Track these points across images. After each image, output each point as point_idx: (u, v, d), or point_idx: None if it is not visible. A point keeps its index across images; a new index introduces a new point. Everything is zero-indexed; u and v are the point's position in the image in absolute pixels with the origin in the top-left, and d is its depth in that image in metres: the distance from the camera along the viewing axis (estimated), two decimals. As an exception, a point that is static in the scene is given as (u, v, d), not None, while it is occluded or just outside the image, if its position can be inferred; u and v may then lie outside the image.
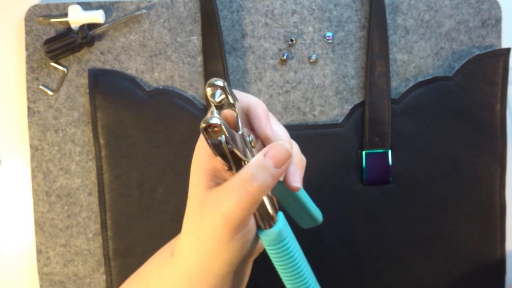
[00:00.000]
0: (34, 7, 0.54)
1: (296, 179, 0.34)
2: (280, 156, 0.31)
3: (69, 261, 0.54)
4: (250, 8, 0.54)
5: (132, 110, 0.53)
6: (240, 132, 0.32)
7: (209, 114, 0.31)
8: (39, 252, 0.54)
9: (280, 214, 0.34)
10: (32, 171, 0.54)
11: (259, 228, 0.33)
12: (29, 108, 0.54)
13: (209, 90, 0.32)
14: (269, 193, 0.33)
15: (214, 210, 0.31)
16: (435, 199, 0.53)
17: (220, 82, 0.32)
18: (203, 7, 0.53)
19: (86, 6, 0.54)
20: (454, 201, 0.54)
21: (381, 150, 0.53)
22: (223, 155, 0.31)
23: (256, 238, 0.34)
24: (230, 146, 0.30)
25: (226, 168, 0.32)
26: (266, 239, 0.33)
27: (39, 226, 0.54)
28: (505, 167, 0.54)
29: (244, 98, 0.34)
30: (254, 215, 0.33)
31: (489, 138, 0.54)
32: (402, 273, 0.53)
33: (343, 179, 0.53)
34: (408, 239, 0.53)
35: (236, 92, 0.34)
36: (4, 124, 0.55)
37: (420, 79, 0.54)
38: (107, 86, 0.53)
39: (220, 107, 0.32)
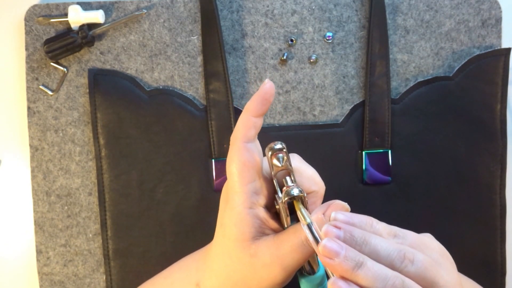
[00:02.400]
0: (34, 7, 0.54)
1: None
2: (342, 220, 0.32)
3: (69, 261, 0.54)
4: (250, 8, 0.54)
5: (132, 110, 0.53)
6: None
7: (287, 187, 0.33)
8: (39, 252, 0.54)
9: (321, 264, 0.36)
10: (32, 171, 0.54)
11: (301, 274, 0.36)
12: (29, 108, 0.54)
13: (270, 154, 0.33)
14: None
15: (272, 262, 0.33)
16: (435, 199, 0.53)
17: (279, 145, 0.33)
18: (203, 7, 0.53)
19: (86, 6, 0.54)
20: (454, 201, 0.54)
21: (381, 150, 0.53)
22: (287, 211, 0.33)
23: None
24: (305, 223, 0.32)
25: (283, 221, 0.34)
26: (311, 284, 0.35)
27: (39, 226, 0.54)
28: (505, 167, 0.54)
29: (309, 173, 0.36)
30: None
31: (489, 138, 0.54)
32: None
33: (343, 179, 0.53)
34: (408, 239, 0.53)
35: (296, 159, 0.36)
36: (4, 124, 0.55)
37: (420, 79, 0.54)
38: (107, 86, 0.53)
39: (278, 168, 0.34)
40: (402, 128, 0.53)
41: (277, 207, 0.34)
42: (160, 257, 0.52)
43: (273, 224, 0.34)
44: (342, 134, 0.53)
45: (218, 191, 0.52)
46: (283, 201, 0.32)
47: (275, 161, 0.33)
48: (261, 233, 0.34)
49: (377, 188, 0.53)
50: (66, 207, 0.54)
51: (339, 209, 0.33)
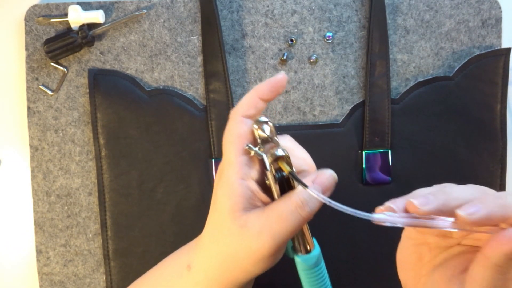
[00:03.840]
0: (34, 7, 0.54)
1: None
2: (328, 183, 0.34)
3: (69, 261, 0.54)
4: (250, 8, 0.54)
5: (132, 110, 0.53)
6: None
7: (272, 149, 0.33)
8: (39, 252, 0.54)
9: (316, 243, 0.36)
10: (32, 171, 0.54)
11: (296, 253, 0.36)
12: (29, 108, 0.54)
13: (256, 126, 0.34)
14: (307, 226, 0.36)
15: (261, 232, 0.33)
16: (435, 199, 0.53)
17: (264, 118, 0.34)
18: (203, 7, 0.53)
19: (86, 6, 0.54)
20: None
21: (381, 150, 0.53)
22: (280, 182, 0.34)
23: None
24: (290, 176, 0.33)
25: (273, 189, 0.34)
26: (306, 264, 0.35)
27: (39, 226, 0.54)
28: (505, 167, 0.54)
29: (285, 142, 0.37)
30: (293, 240, 0.36)
31: (489, 138, 0.54)
32: (402, 273, 0.53)
33: (343, 179, 0.53)
34: (408, 239, 0.53)
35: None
36: (4, 124, 0.55)
37: (420, 79, 0.54)
38: (107, 86, 0.53)
39: (265, 141, 0.34)
40: (402, 128, 0.53)
41: (267, 182, 0.34)
42: (160, 257, 0.52)
43: (264, 197, 0.35)
44: (342, 134, 0.53)
45: (218, 191, 0.53)
46: (269, 162, 0.33)
47: (260, 132, 0.34)
48: (252, 205, 0.34)
49: (377, 188, 0.53)
50: (66, 207, 0.54)
51: (327, 178, 0.34)
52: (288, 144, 0.36)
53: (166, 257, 0.42)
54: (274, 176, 0.33)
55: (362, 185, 0.53)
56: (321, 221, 0.53)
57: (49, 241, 0.54)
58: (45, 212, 0.54)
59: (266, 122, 0.34)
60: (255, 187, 0.34)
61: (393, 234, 0.54)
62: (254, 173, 0.34)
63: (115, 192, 0.53)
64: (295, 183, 0.34)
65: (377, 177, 0.53)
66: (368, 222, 0.55)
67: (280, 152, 0.32)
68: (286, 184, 0.34)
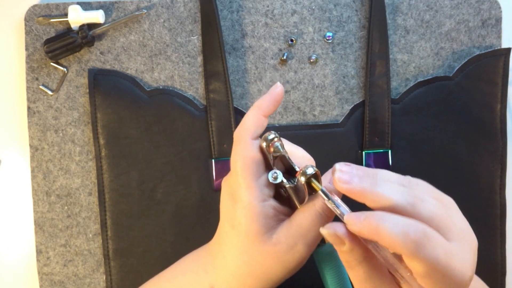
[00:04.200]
0: (34, 7, 0.54)
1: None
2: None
3: (69, 261, 0.54)
4: (250, 8, 0.54)
5: (132, 110, 0.53)
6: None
7: (301, 165, 0.33)
8: (39, 252, 0.54)
9: None
10: (32, 171, 0.54)
11: (316, 247, 0.36)
12: (29, 108, 0.54)
13: (265, 145, 0.34)
14: None
15: (296, 245, 0.33)
16: (435, 199, 0.53)
17: (272, 134, 0.34)
18: (203, 7, 0.53)
19: (86, 6, 0.54)
20: (454, 201, 0.54)
21: (381, 150, 0.53)
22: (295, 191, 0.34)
23: None
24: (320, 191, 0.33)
25: (295, 202, 0.35)
26: (324, 252, 0.36)
27: (39, 226, 0.54)
28: (505, 167, 0.54)
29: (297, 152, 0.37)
30: None
31: (489, 138, 0.54)
32: (402, 273, 0.53)
33: (343, 179, 0.53)
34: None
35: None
36: (4, 124, 0.55)
37: (420, 79, 0.54)
38: (107, 86, 0.53)
39: (275, 156, 0.35)
40: (402, 128, 0.53)
41: (283, 191, 0.35)
42: (160, 257, 0.52)
43: (283, 209, 0.35)
44: (342, 134, 0.53)
45: (218, 191, 0.52)
46: (302, 182, 0.32)
47: (273, 149, 0.34)
48: (276, 222, 0.34)
49: (377, 188, 0.53)
50: (66, 207, 0.54)
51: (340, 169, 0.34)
52: (288, 147, 0.36)
53: (170, 267, 0.42)
54: (307, 191, 0.33)
55: (362, 185, 0.53)
56: None
57: (49, 241, 0.54)
58: (45, 212, 0.54)
59: (276, 139, 0.34)
60: (276, 204, 0.34)
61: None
62: (271, 190, 0.35)
63: (115, 192, 0.52)
64: (312, 185, 0.34)
65: (377, 177, 0.53)
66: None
67: (310, 170, 0.32)
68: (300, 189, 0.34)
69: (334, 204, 0.31)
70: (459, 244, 0.28)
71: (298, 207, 0.34)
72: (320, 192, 0.32)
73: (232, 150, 0.35)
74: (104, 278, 0.54)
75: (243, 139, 0.34)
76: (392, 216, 0.27)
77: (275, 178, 0.34)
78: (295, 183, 0.33)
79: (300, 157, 0.36)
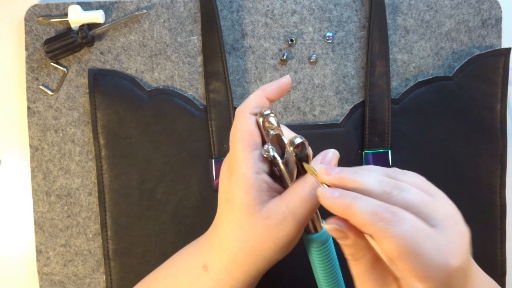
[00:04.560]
0: (34, 7, 0.54)
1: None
2: (333, 161, 0.35)
3: (69, 261, 0.54)
4: (250, 8, 0.54)
5: (132, 110, 0.53)
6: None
7: (290, 137, 0.34)
8: (39, 252, 0.54)
9: (323, 221, 0.38)
10: (32, 171, 0.54)
11: (308, 233, 0.37)
12: (29, 108, 0.54)
13: (261, 119, 0.36)
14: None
15: (286, 220, 0.34)
16: (435, 199, 0.53)
17: (268, 110, 0.36)
18: (203, 7, 0.53)
19: (86, 6, 0.54)
20: (454, 201, 0.53)
21: (381, 150, 0.53)
22: (297, 169, 0.34)
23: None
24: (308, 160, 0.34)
25: (286, 175, 0.35)
26: (318, 241, 0.36)
27: (39, 226, 0.54)
28: (505, 167, 0.54)
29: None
30: (308, 222, 0.37)
31: (489, 138, 0.54)
32: (402, 273, 0.53)
33: (343, 179, 0.53)
34: (408, 239, 0.53)
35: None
36: (4, 124, 0.55)
37: (420, 79, 0.54)
38: (107, 86, 0.53)
39: (268, 132, 0.36)
40: (402, 128, 0.53)
41: (277, 171, 0.36)
42: (160, 257, 0.52)
43: (277, 187, 0.36)
44: (342, 134, 0.53)
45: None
46: (290, 150, 0.33)
47: (268, 124, 0.35)
48: (268, 196, 0.35)
49: (377, 188, 0.53)
50: (66, 207, 0.54)
51: (332, 156, 0.35)
52: (287, 132, 0.37)
53: (171, 257, 0.42)
54: (296, 163, 0.34)
55: (362, 185, 0.53)
56: None
57: (49, 241, 0.54)
58: (45, 212, 0.54)
59: (272, 115, 0.35)
60: (268, 179, 0.35)
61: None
62: (265, 166, 0.36)
63: (115, 192, 0.52)
64: (303, 167, 0.35)
65: (377, 177, 0.53)
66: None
67: (298, 140, 0.33)
68: (299, 171, 0.35)
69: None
70: (443, 230, 0.28)
71: (289, 185, 0.35)
72: (305, 164, 0.33)
73: (232, 124, 0.36)
74: (104, 278, 0.54)
75: (242, 113, 0.36)
76: (366, 197, 0.29)
77: (267, 152, 0.34)
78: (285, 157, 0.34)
79: None
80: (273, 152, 0.35)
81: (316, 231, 0.37)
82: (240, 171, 0.35)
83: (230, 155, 0.36)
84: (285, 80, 0.37)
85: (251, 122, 0.36)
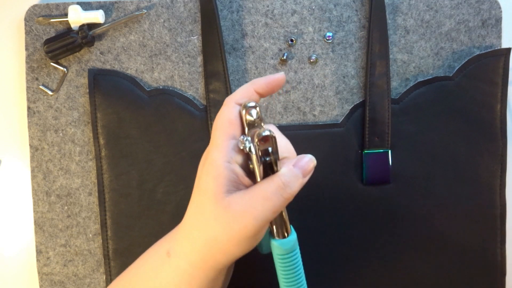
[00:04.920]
0: (34, 7, 0.54)
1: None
2: (307, 166, 0.36)
3: (69, 261, 0.54)
4: (250, 8, 0.54)
5: (132, 110, 0.53)
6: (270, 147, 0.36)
7: (258, 130, 0.34)
8: (39, 252, 0.54)
9: (293, 229, 0.37)
10: (32, 171, 0.54)
11: (273, 237, 0.37)
12: (29, 108, 0.54)
13: (244, 111, 0.35)
14: (285, 210, 0.37)
15: (244, 213, 0.34)
16: (435, 199, 0.53)
17: (253, 103, 0.36)
18: (203, 7, 0.53)
19: (86, 6, 0.54)
20: (454, 201, 0.54)
21: (381, 150, 0.53)
22: (263, 164, 0.35)
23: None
24: (273, 157, 0.34)
25: (256, 172, 0.35)
26: (282, 248, 0.36)
27: (39, 226, 0.54)
28: (505, 167, 0.54)
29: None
30: (271, 224, 0.36)
31: (489, 138, 0.54)
32: (402, 273, 0.53)
33: (343, 179, 0.53)
34: (408, 239, 0.53)
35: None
36: (4, 124, 0.55)
37: (420, 79, 0.54)
38: (107, 86, 0.53)
39: (252, 125, 0.36)
40: (402, 128, 0.53)
41: (251, 166, 0.35)
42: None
43: (248, 182, 0.36)
44: (342, 134, 0.53)
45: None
46: (256, 140, 0.33)
47: (248, 117, 0.35)
48: (236, 188, 0.35)
49: (377, 188, 0.53)
50: (66, 207, 0.54)
51: (307, 161, 0.36)
52: (278, 137, 0.37)
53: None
54: (259, 158, 0.34)
55: (362, 185, 0.53)
56: (319, 223, 0.53)
57: (49, 241, 0.54)
58: (45, 212, 0.54)
59: (254, 107, 0.35)
60: (239, 170, 0.35)
61: (393, 234, 0.54)
62: (240, 158, 0.35)
63: (115, 192, 0.53)
64: (278, 167, 0.35)
65: (377, 177, 0.53)
66: (368, 222, 0.55)
67: (266, 132, 0.33)
68: (270, 169, 0.35)
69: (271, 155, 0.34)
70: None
71: (258, 181, 0.35)
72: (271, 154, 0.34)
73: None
74: (104, 278, 0.54)
75: (227, 102, 0.36)
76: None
77: (243, 143, 0.34)
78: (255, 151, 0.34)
79: (281, 146, 0.37)
80: (249, 145, 0.34)
81: (284, 237, 0.36)
82: (212, 157, 0.35)
83: (210, 142, 0.36)
84: (278, 76, 0.37)
85: (233, 111, 0.36)
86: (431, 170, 0.53)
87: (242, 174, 0.35)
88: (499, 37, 0.55)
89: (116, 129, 0.53)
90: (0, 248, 0.55)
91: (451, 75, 0.54)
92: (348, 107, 0.54)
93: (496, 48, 0.54)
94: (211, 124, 0.53)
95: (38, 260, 0.54)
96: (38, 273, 0.54)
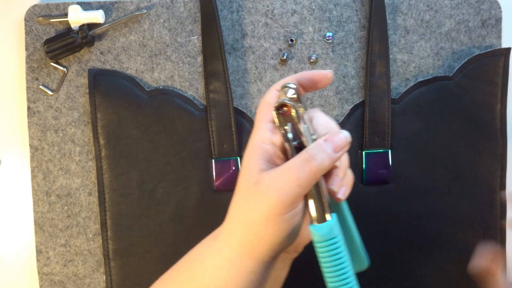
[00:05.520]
0: (34, 7, 0.54)
1: (340, 190, 0.36)
2: (340, 141, 0.35)
3: (69, 261, 0.54)
4: (250, 8, 0.54)
5: (132, 110, 0.53)
6: (306, 125, 0.35)
7: (283, 97, 0.35)
8: (39, 252, 0.54)
9: (334, 215, 0.35)
10: (32, 171, 0.54)
11: (311, 222, 0.35)
12: (29, 108, 0.54)
13: (281, 90, 0.36)
14: (326, 196, 0.35)
15: (269, 187, 0.33)
16: (435, 199, 0.53)
17: (292, 84, 0.36)
18: (203, 7, 0.53)
19: (86, 6, 0.54)
20: (454, 201, 0.54)
21: (381, 150, 0.53)
22: (288, 139, 0.35)
23: (296, 231, 0.36)
24: (295, 131, 0.35)
25: (288, 151, 0.35)
26: (318, 234, 0.34)
27: (39, 226, 0.54)
28: (505, 167, 0.54)
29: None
30: (308, 208, 0.35)
31: (489, 138, 0.54)
32: (402, 273, 0.53)
33: (343, 179, 0.53)
34: (408, 239, 0.53)
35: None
36: (4, 124, 0.55)
37: (420, 79, 0.54)
38: (107, 86, 0.53)
39: (281, 108, 0.36)
40: (402, 128, 0.53)
41: (285, 144, 0.35)
42: (160, 257, 0.52)
43: (281, 161, 0.36)
44: (342, 134, 0.53)
45: (218, 191, 0.53)
46: (279, 89, 0.34)
47: (284, 95, 0.36)
48: (269, 167, 0.35)
49: (377, 188, 0.53)
50: (66, 207, 0.54)
51: (340, 137, 0.35)
52: (314, 113, 0.37)
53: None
54: (286, 134, 0.35)
55: (362, 185, 0.53)
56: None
57: (49, 241, 0.54)
58: (45, 212, 0.54)
59: (291, 87, 0.36)
60: (274, 150, 0.35)
61: (393, 234, 0.54)
62: (277, 139, 0.36)
63: (115, 192, 0.53)
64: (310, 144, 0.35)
65: (377, 177, 0.53)
66: (368, 222, 0.55)
67: (292, 85, 0.34)
68: (304, 147, 0.35)
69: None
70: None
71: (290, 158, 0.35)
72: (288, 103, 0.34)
73: None
74: (104, 278, 0.54)
75: (271, 88, 0.37)
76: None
77: (276, 121, 0.35)
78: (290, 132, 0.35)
79: (320, 124, 0.37)
80: (284, 126, 0.35)
81: (323, 221, 0.34)
82: (251, 138, 0.36)
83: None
84: (323, 72, 0.37)
85: (272, 95, 0.36)
86: (431, 170, 0.53)
87: (278, 154, 0.35)
88: (499, 37, 0.55)
89: (116, 129, 0.53)
90: (0, 248, 0.55)
91: (451, 75, 0.54)
92: (348, 107, 0.54)
93: (496, 48, 0.54)
94: (211, 124, 0.53)
95: (38, 260, 0.54)
96: (38, 273, 0.54)
